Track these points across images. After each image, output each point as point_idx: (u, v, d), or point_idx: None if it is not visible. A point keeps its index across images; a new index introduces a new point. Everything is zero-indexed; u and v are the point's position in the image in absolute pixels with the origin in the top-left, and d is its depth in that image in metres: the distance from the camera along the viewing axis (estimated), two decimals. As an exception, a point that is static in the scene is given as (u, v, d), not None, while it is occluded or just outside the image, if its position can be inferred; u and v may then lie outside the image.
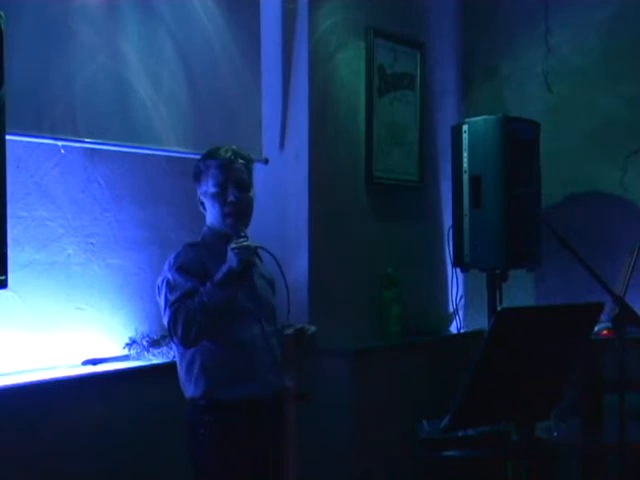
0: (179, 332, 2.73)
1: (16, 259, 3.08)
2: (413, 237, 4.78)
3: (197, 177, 2.98)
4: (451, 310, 4.82)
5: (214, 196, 2.93)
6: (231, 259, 2.78)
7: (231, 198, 2.91)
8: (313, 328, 3.01)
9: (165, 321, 2.82)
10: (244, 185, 2.96)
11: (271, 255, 2.95)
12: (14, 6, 2.96)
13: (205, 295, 2.74)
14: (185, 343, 2.78)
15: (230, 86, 3.94)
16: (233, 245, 2.80)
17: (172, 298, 2.79)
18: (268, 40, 4.14)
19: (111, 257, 3.52)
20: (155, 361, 3.46)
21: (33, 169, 3.25)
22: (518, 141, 4.22)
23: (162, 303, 2.85)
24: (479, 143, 4.17)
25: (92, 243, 3.45)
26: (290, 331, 2.96)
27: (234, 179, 2.93)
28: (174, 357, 3.43)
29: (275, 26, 4.14)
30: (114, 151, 3.50)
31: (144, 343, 3.50)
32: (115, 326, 3.52)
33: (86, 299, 3.42)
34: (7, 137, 2.68)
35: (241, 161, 2.96)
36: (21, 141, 3.14)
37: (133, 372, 3.36)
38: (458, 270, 4.57)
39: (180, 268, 2.83)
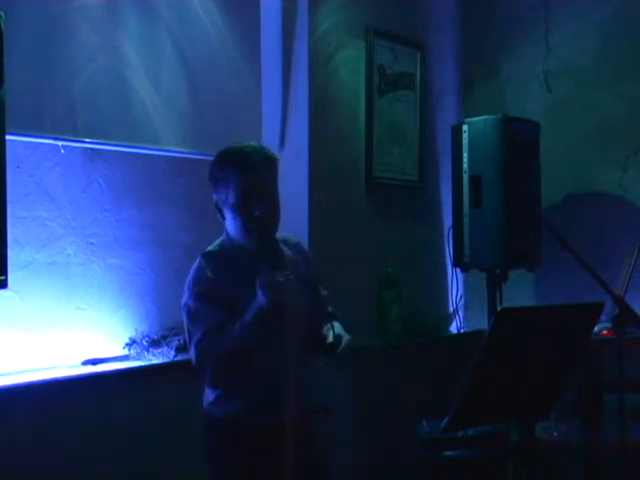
0: (207, 377, 2.55)
1: (16, 259, 3.08)
2: (413, 237, 4.78)
3: (214, 182, 2.62)
4: (451, 310, 4.82)
5: (235, 208, 2.57)
6: (260, 298, 2.45)
7: (257, 213, 2.56)
8: (347, 337, 2.69)
9: (191, 357, 2.59)
10: (271, 194, 2.61)
11: (301, 285, 2.55)
12: (14, 6, 2.97)
13: (233, 339, 2.47)
14: (214, 386, 2.62)
15: (230, 86, 3.94)
16: (262, 282, 2.45)
17: (197, 335, 2.53)
18: (268, 40, 4.14)
19: (111, 257, 3.52)
20: (155, 361, 3.45)
21: (33, 169, 3.25)
22: (518, 141, 4.21)
23: (185, 333, 2.64)
24: (479, 143, 4.16)
25: (92, 243, 3.45)
26: (329, 339, 2.63)
27: (260, 188, 2.57)
28: (174, 357, 3.45)
29: (275, 26, 4.14)
30: (114, 151, 3.50)
31: (144, 343, 3.50)
32: (115, 326, 3.52)
33: (86, 299, 3.42)
34: (7, 137, 2.69)
35: (267, 165, 2.62)
36: (21, 141, 3.14)
37: (133, 372, 3.35)
38: (458, 270, 4.57)
39: (200, 295, 2.55)
